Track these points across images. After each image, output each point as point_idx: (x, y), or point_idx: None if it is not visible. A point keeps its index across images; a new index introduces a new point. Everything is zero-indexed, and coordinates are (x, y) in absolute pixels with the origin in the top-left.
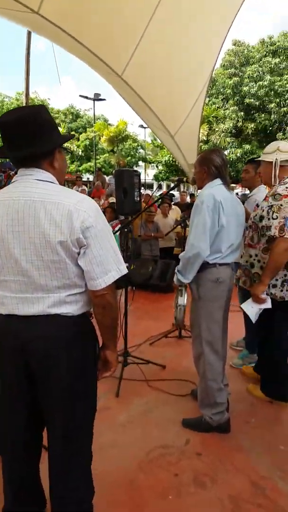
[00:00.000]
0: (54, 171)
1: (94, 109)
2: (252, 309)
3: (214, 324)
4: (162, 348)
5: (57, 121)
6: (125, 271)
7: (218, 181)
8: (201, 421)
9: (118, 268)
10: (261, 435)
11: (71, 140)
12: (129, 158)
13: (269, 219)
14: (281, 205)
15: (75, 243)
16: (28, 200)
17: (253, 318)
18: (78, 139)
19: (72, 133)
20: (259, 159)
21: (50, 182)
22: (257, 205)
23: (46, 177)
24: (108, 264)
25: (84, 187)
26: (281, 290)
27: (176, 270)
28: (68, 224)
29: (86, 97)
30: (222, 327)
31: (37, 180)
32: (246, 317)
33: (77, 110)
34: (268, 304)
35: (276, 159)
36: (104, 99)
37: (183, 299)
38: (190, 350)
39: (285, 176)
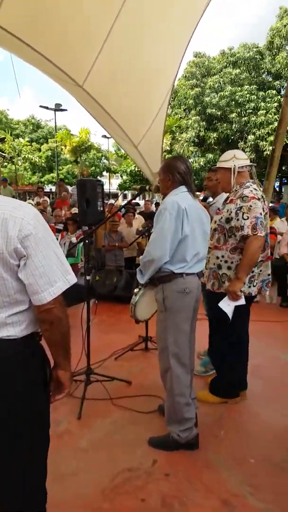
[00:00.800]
0: None
1: (55, 120)
2: (229, 307)
3: (181, 336)
4: (128, 362)
5: (17, 131)
6: (74, 280)
7: (183, 188)
8: (169, 439)
9: (65, 278)
10: (230, 449)
11: (32, 151)
12: (93, 168)
13: (238, 219)
14: (251, 206)
15: (13, 255)
16: None
17: (230, 315)
18: (39, 150)
19: (31, 141)
20: (216, 166)
21: None
22: (218, 209)
23: None
24: (53, 275)
25: (45, 198)
26: (249, 287)
27: (137, 269)
28: (3, 233)
29: (47, 108)
30: (189, 339)
31: None
32: (211, 324)
33: (38, 120)
34: (242, 301)
35: (234, 165)
36: (65, 110)
37: (135, 297)
38: (157, 363)
39: (243, 180)
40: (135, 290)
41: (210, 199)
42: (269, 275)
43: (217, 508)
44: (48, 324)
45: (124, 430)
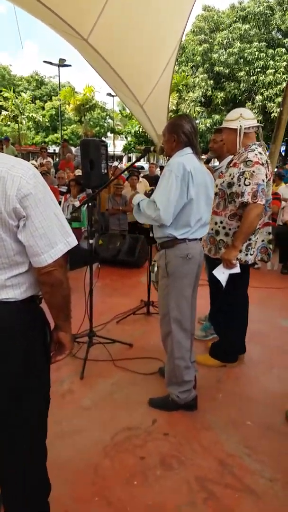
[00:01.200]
0: None
1: (59, 76)
2: (223, 274)
3: (183, 301)
4: (130, 326)
5: (20, 88)
6: (74, 243)
7: (188, 150)
8: (168, 400)
9: (66, 240)
10: (228, 411)
11: (36, 109)
12: (98, 128)
13: (239, 185)
14: (254, 171)
15: (11, 215)
16: None
17: (224, 283)
18: (43, 108)
19: (37, 101)
20: (222, 126)
21: None
22: (221, 172)
23: None
24: (53, 236)
25: (49, 159)
26: (246, 254)
27: (138, 202)
28: (1, 192)
29: (51, 63)
30: (190, 305)
31: None
32: (211, 289)
33: (42, 76)
34: (237, 269)
35: (240, 125)
36: (69, 65)
37: (154, 275)
38: (158, 327)
39: (249, 143)
40: (150, 267)
41: (216, 163)
42: (263, 241)
43: (214, 468)
44: (48, 287)
45: (125, 390)
